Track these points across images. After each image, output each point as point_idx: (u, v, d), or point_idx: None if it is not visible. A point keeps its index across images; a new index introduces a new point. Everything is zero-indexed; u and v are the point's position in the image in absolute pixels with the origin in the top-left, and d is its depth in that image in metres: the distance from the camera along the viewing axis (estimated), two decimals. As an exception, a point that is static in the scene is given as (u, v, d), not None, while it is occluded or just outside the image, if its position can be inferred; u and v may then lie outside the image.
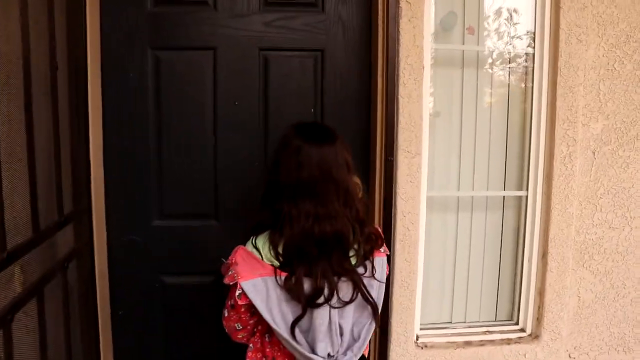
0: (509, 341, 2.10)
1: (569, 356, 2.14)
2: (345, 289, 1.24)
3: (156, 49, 1.84)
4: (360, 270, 1.26)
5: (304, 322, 1.23)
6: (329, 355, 1.26)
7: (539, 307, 2.10)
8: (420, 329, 2.07)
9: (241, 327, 1.31)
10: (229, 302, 1.28)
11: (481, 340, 2.08)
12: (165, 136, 1.88)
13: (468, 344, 2.06)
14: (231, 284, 1.23)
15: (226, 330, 1.35)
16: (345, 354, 1.27)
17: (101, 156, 1.80)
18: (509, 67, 2.08)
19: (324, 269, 1.20)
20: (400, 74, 1.86)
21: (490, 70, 2.08)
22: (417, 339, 2.04)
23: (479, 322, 2.18)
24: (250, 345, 1.34)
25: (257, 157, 1.94)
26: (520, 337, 2.12)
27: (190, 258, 1.93)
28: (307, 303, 1.20)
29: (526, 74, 2.07)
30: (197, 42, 1.86)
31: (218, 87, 1.88)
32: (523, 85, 2.08)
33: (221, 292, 1.75)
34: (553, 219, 2.03)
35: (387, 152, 1.88)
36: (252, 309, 1.25)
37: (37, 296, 1.30)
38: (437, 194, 2.05)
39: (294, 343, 1.22)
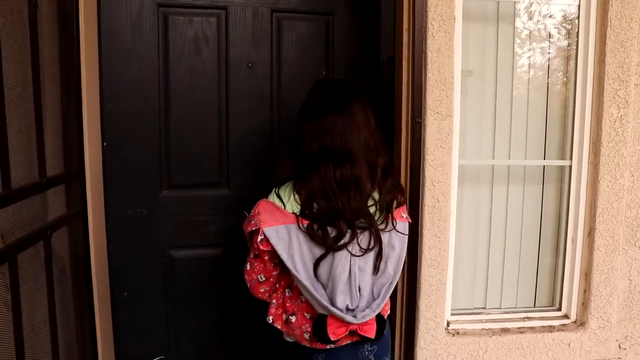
0: (551, 329, 1.87)
1: (619, 346, 1.90)
2: (365, 239, 1.24)
3: (164, 7, 1.69)
4: (382, 226, 1.26)
5: (323, 272, 1.22)
6: (347, 308, 1.24)
7: (584, 291, 1.87)
8: (451, 314, 1.86)
9: (264, 279, 1.30)
10: (252, 254, 1.28)
11: (520, 328, 1.86)
12: (174, 100, 1.73)
13: (505, 331, 1.84)
14: (253, 229, 1.22)
15: (248, 286, 1.33)
16: (363, 310, 1.25)
17: (98, 118, 1.63)
18: (550, 21, 1.85)
19: (344, 209, 1.20)
20: (429, 25, 1.65)
21: (528, 25, 1.86)
22: (447, 325, 1.83)
23: (515, 307, 1.95)
24: (274, 301, 1.33)
25: (270, 122, 1.81)
26: (563, 325, 1.89)
27: (200, 230, 1.80)
28: (329, 246, 1.20)
29: (570, 27, 1.84)
30: (206, 1, 1.71)
31: (230, 50, 1.75)
32: (566, 40, 1.86)
33: (234, 263, 1.78)
34: (601, 192, 1.80)
35: (415, 114, 1.68)
36: (275, 258, 1.26)
37: (8, 263, 1.12)
38: (469, 162, 1.83)
39: (313, 290, 1.21)
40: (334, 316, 1.22)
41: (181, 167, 1.76)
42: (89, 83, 1.56)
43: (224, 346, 1.90)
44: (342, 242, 1.21)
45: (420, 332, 1.78)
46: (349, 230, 1.21)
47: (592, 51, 1.78)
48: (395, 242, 1.27)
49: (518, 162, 1.88)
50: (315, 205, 1.21)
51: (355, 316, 1.24)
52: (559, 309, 1.93)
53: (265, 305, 1.35)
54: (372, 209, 1.25)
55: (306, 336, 1.27)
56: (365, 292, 1.26)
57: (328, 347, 1.27)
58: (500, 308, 1.95)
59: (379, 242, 1.24)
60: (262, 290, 1.32)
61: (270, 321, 1.32)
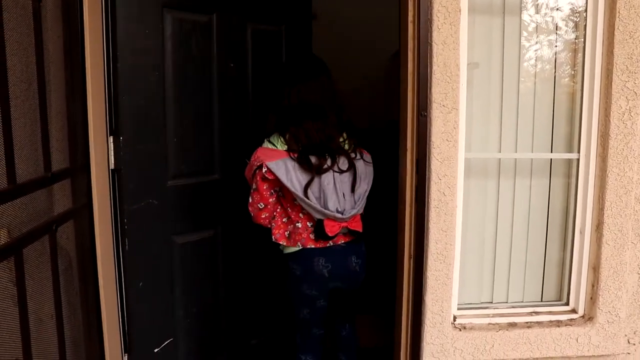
0: (558, 323, 1.85)
1: (628, 341, 1.88)
2: (343, 163, 1.70)
3: (169, 8, 1.76)
4: (352, 154, 1.74)
5: (314, 187, 1.65)
6: (337, 210, 1.67)
7: (592, 286, 1.85)
8: (458, 308, 1.85)
9: (263, 206, 1.70)
10: (253, 187, 1.69)
11: (527, 322, 1.84)
12: (177, 95, 1.80)
13: (512, 325, 1.83)
14: (258, 165, 1.64)
15: (252, 215, 1.73)
16: (349, 210, 1.70)
17: (104, 112, 1.62)
18: (557, 13, 1.83)
19: (321, 142, 1.67)
20: (434, 18, 1.64)
21: (535, 17, 1.83)
22: (454, 320, 1.82)
23: (522, 302, 1.94)
24: (273, 224, 1.73)
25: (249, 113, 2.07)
26: (571, 319, 1.87)
27: (198, 214, 1.93)
28: (315, 170, 1.64)
29: (577, 19, 1.82)
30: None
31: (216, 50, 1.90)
32: (574, 32, 1.84)
33: (227, 242, 2.04)
34: (609, 185, 1.78)
35: (420, 107, 1.67)
36: (271, 188, 1.69)
37: (14, 257, 1.12)
38: (475, 155, 1.82)
39: (308, 201, 1.63)
40: (328, 218, 1.67)
41: (184, 157, 1.84)
42: (94, 78, 1.55)
43: (224, 318, 2.07)
44: (325, 166, 1.66)
45: (426, 326, 1.77)
46: (329, 157, 1.66)
47: (599, 43, 1.75)
48: (366, 167, 1.76)
49: (525, 156, 1.86)
50: (299, 143, 1.65)
51: (343, 215, 1.67)
52: (567, 304, 1.91)
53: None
54: (345, 145, 1.74)
55: (311, 236, 1.70)
56: (348, 197, 1.70)
57: (328, 245, 1.71)
58: (507, 302, 1.93)
59: (353, 165, 1.71)
60: (262, 216, 1.72)
61: (275, 239, 1.72)
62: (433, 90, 1.66)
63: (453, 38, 1.65)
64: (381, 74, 4.34)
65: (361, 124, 2.64)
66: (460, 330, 1.80)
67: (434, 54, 1.65)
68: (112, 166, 1.65)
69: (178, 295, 1.89)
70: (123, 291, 1.72)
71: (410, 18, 1.67)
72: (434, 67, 1.65)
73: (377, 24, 4.28)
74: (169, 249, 1.85)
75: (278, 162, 1.61)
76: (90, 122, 1.52)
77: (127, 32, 1.63)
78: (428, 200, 1.71)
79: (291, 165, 1.62)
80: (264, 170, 1.61)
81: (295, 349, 1.90)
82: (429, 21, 1.64)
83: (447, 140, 1.68)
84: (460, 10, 1.66)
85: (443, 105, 1.67)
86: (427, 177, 1.70)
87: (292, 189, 1.61)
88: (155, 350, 1.84)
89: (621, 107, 1.74)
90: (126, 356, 1.77)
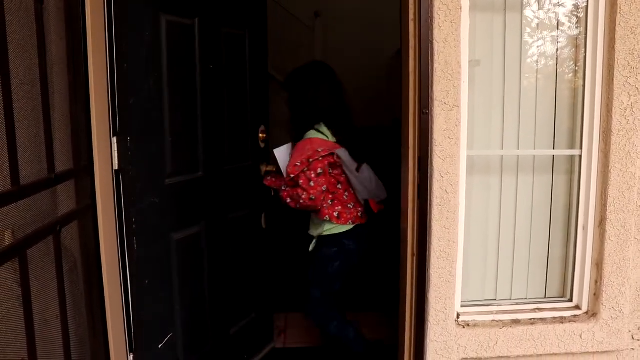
0: (562, 320, 1.86)
1: (632, 337, 1.88)
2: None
3: (163, 12, 1.79)
4: None
5: (359, 179, 2.13)
6: (374, 194, 2.21)
7: (596, 282, 1.85)
8: (461, 306, 1.85)
9: (325, 188, 2.03)
10: (318, 172, 2.00)
11: (531, 319, 1.85)
12: (172, 96, 1.83)
13: (516, 322, 1.83)
14: (327, 152, 2.01)
15: (313, 198, 2.00)
16: (379, 195, 2.25)
17: (107, 113, 1.63)
18: (558, 9, 1.83)
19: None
20: (435, 16, 1.64)
21: (536, 14, 1.83)
22: (457, 317, 1.82)
23: (526, 299, 1.94)
24: (324, 205, 2.09)
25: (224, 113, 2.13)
26: (575, 316, 1.87)
27: (187, 210, 1.97)
28: (359, 159, 2.11)
29: (579, 15, 1.82)
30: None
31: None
32: (575, 29, 1.84)
33: (213, 236, 2.10)
34: (612, 181, 1.78)
35: (422, 105, 1.67)
36: (334, 174, 2.10)
37: (19, 258, 1.13)
38: (477, 153, 1.82)
39: (361, 186, 2.13)
40: (372, 200, 2.19)
41: (178, 156, 1.88)
42: (97, 78, 1.56)
43: (210, 309, 2.12)
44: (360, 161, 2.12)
45: (430, 324, 1.78)
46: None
47: (601, 38, 1.75)
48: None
49: (527, 152, 1.86)
50: (339, 136, 2.07)
51: (379, 198, 2.23)
52: (570, 300, 1.91)
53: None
54: None
55: (359, 215, 2.16)
56: (375, 183, 2.20)
57: (364, 222, 2.19)
58: (510, 299, 1.94)
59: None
60: (322, 198, 2.03)
61: (326, 218, 2.10)
62: (435, 88, 1.67)
63: (454, 36, 1.65)
64: (383, 73, 4.34)
65: (368, 123, 2.73)
66: (463, 327, 1.81)
67: (435, 52, 1.65)
68: (115, 167, 1.66)
69: (176, 290, 1.93)
70: (128, 291, 1.72)
71: (411, 16, 1.68)
72: (435, 65, 1.65)
73: (379, 23, 4.28)
74: (168, 246, 1.88)
75: (342, 150, 2.03)
76: (93, 123, 1.52)
77: (124, 33, 1.64)
78: (430, 198, 1.71)
79: (346, 154, 2.03)
80: (335, 157, 2.02)
81: (321, 321, 2.28)
82: (430, 19, 1.64)
83: (449, 137, 1.69)
84: (461, 8, 1.66)
85: (445, 103, 1.67)
86: (429, 174, 1.70)
87: (351, 175, 2.06)
88: (159, 346, 1.86)
89: (623, 103, 1.74)
90: (131, 356, 1.78)
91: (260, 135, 2.37)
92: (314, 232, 2.25)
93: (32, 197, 1.30)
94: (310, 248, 2.30)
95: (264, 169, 2.38)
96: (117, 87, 1.63)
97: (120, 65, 1.61)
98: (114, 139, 1.64)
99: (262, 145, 2.40)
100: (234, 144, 2.19)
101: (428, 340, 1.78)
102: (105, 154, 1.59)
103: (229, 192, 2.18)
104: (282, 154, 2.19)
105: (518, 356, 1.84)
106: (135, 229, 1.70)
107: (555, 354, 1.86)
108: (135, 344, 1.76)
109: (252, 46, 2.30)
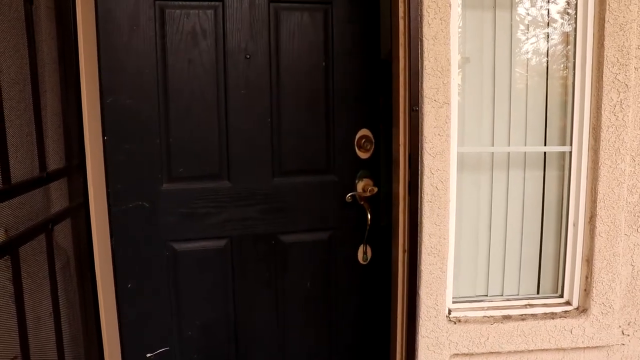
0: (553, 315, 1.87)
1: (622, 332, 1.89)
2: None
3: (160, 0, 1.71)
4: None
5: None
6: None
7: (586, 277, 1.86)
8: (453, 302, 1.86)
9: None
10: None
11: (522, 315, 1.86)
12: (172, 93, 1.76)
13: (507, 318, 1.84)
14: None
15: None
16: None
17: (98, 112, 1.64)
18: (548, 6, 1.84)
19: None
20: (424, 13, 1.65)
21: (526, 11, 1.84)
22: (449, 313, 1.83)
23: (518, 295, 1.95)
24: None
25: (270, 113, 1.84)
26: (565, 311, 1.88)
27: (202, 222, 1.83)
28: None
29: (569, 12, 1.83)
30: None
31: (228, 42, 1.77)
32: (565, 25, 1.85)
33: (237, 254, 1.87)
34: (602, 177, 1.79)
35: (412, 102, 1.68)
36: None
37: (10, 256, 1.14)
38: (468, 149, 1.83)
39: None
40: None
41: (182, 159, 1.78)
42: (88, 78, 1.57)
43: (230, 337, 1.92)
44: None
45: (421, 320, 1.79)
46: None
47: (590, 35, 1.76)
48: None
49: (518, 149, 1.87)
50: None
51: None
52: (561, 296, 1.92)
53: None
54: None
55: None
56: None
57: None
58: (502, 295, 1.95)
59: None
60: None
61: None
62: (424, 85, 1.67)
63: (444, 33, 1.66)
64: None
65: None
66: (455, 323, 1.82)
67: (425, 49, 1.66)
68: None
69: (173, 302, 1.84)
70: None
71: (400, 14, 1.68)
72: (425, 62, 1.66)
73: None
74: (165, 254, 1.81)
75: None
76: (85, 121, 1.53)
77: (109, 27, 1.63)
78: (421, 195, 1.72)
79: None
80: None
81: None
82: (419, 17, 1.65)
83: (439, 134, 1.70)
84: (450, 5, 1.66)
85: (435, 100, 1.68)
86: (420, 171, 1.71)
87: None
88: (148, 355, 1.83)
89: (612, 100, 1.75)
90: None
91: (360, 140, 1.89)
92: None
93: (24, 195, 1.31)
94: None
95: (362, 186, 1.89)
96: (102, 86, 1.63)
97: (100, 63, 1.61)
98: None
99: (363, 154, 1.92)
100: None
101: (419, 336, 1.79)
102: (98, 153, 1.60)
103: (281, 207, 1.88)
104: None
105: (509, 352, 1.86)
106: (113, 230, 1.70)
107: (546, 350, 1.87)
108: (121, 342, 1.77)
109: (342, 26, 1.86)
